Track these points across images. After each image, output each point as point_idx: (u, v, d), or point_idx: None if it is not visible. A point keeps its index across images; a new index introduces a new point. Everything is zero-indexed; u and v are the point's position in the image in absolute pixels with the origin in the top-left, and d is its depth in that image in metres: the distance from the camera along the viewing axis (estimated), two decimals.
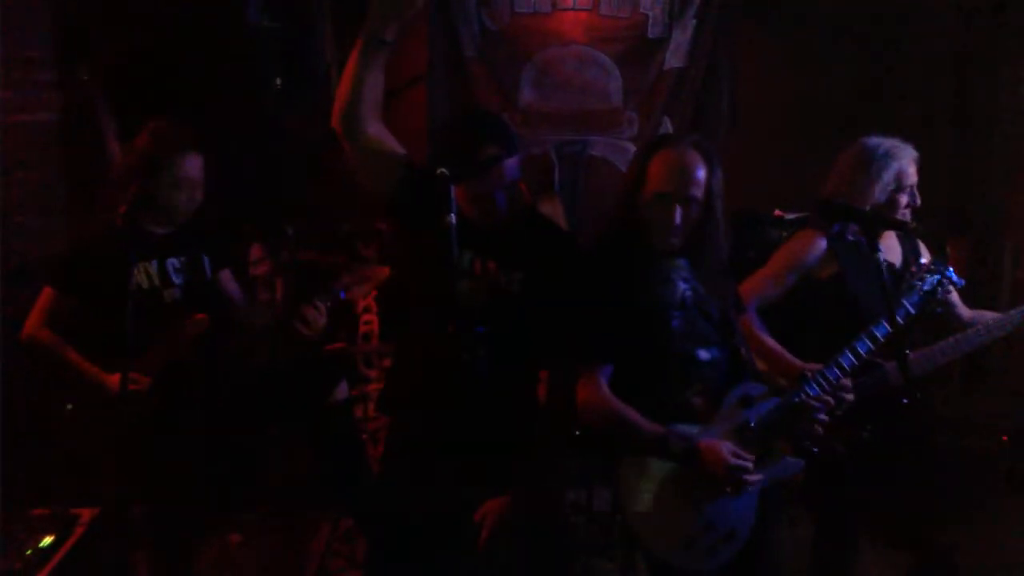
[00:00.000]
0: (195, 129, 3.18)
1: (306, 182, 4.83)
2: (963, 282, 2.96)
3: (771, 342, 3.01)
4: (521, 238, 2.63)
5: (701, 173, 2.51)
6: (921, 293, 2.88)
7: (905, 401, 2.94)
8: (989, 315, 3.26)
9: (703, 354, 2.57)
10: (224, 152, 3.25)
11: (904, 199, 3.10)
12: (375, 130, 2.48)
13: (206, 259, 3.28)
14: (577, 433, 2.67)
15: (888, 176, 3.06)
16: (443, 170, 2.29)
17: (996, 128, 5.15)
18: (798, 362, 2.89)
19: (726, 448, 2.44)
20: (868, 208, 3.05)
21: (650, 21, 5.37)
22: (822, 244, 3.10)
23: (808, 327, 3.03)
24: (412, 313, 2.73)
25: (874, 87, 5.20)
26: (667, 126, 5.42)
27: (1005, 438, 4.08)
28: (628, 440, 2.50)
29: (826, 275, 3.10)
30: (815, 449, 2.63)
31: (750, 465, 2.45)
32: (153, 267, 3.13)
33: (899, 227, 3.06)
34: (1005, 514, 4.01)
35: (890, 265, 3.14)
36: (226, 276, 3.38)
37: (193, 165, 3.14)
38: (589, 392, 2.52)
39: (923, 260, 3.14)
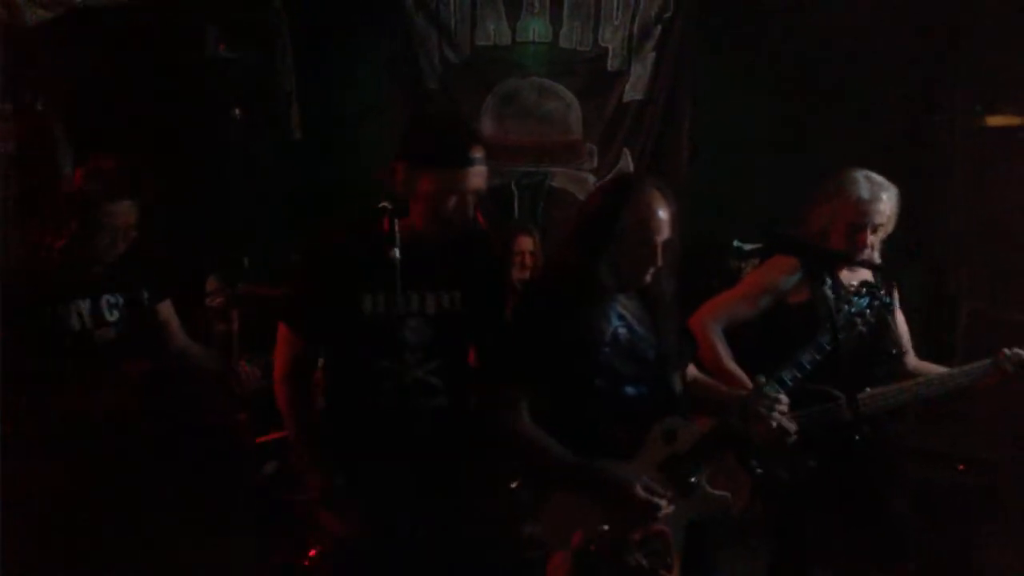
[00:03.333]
0: (134, 174, 2.98)
1: (264, 211, 4.81)
2: (892, 301, 2.88)
3: (732, 366, 3.00)
4: (456, 253, 2.61)
5: (671, 212, 2.50)
6: (847, 315, 2.80)
7: (857, 438, 2.92)
8: (936, 368, 3.26)
9: (630, 391, 2.53)
10: (182, 182, 3.21)
11: (868, 237, 3.06)
12: None
13: (146, 293, 3.10)
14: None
15: (856, 211, 3.04)
16: (386, 204, 2.33)
17: (951, 156, 5.22)
18: None
19: (640, 482, 2.41)
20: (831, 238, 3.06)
21: (610, 54, 5.42)
22: (798, 269, 3.09)
23: (773, 353, 2.97)
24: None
25: (834, 117, 5.24)
26: (627, 158, 5.47)
27: (961, 467, 4.09)
28: (547, 470, 2.46)
29: (796, 301, 3.07)
30: (759, 470, 2.61)
31: (662, 501, 2.42)
32: (85, 306, 2.94)
33: (846, 261, 3.06)
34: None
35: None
36: (165, 308, 3.19)
37: (120, 213, 2.93)
38: (512, 416, 2.48)
39: (853, 283, 3.12)
